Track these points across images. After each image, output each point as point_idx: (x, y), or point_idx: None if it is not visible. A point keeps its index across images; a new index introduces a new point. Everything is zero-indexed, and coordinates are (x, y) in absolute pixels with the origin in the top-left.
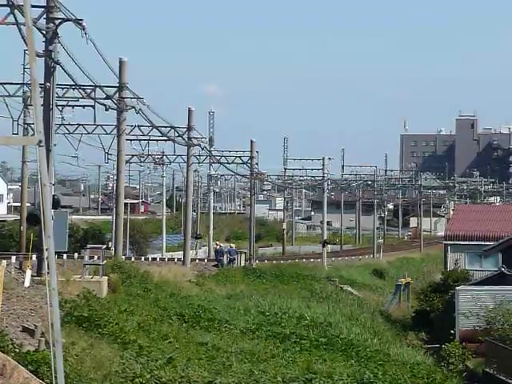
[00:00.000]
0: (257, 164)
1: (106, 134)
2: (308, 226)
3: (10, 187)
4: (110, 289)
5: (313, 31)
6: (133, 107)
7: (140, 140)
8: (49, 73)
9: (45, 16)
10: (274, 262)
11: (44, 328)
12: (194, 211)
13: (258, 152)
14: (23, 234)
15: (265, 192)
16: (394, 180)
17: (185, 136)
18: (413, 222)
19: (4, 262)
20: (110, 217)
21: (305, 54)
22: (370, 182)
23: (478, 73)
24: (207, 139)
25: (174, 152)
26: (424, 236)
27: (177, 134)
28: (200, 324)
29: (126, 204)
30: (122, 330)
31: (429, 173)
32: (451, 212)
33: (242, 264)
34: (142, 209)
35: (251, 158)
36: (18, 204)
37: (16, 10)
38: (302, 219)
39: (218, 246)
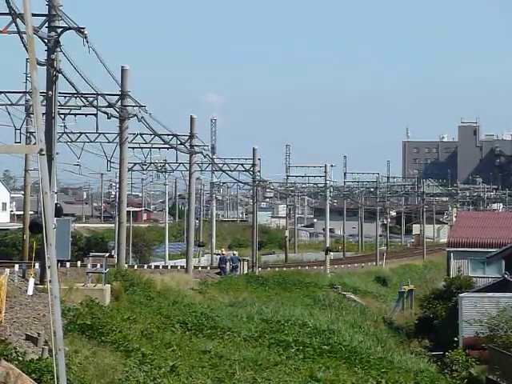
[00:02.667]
0: (259, 171)
1: (109, 142)
2: (310, 233)
3: (12, 195)
4: (113, 297)
5: (313, 37)
6: (135, 115)
7: (142, 148)
8: (51, 81)
9: (47, 25)
10: (277, 269)
11: (47, 336)
12: (197, 219)
13: (260, 159)
14: (26, 243)
15: (267, 199)
16: (396, 187)
17: (187, 144)
18: (415, 229)
19: (7, 270)
20: (112, 225)
21: (305, 60)
22: (372, 189)
23: (480, 79)
24: (209, 147)
25: (177, 160)
26: (427, 243)
27: (179, 142)
28: (203, 332)
29: (128, 212)
30: (125, 338)
31: (431, 180)
32: (454, 219)
33: (245, 271)
34: (144, 217)
35: (253, 165)
36: (21, 212)
37: (18, 19)
38: (305, 226)
39: (222, 254)
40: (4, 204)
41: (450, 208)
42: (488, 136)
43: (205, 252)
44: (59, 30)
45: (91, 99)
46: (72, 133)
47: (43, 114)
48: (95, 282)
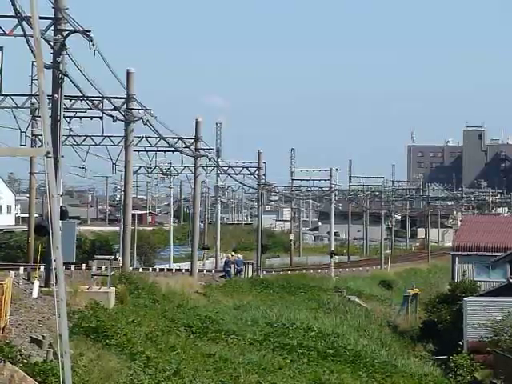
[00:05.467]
0: (264, 175)
1: (114, 145)
2: (315, 236)
3: (17, 198)
4: (118, 300)
5: (319, 44)
6: (140, 118)
7: (147, 151)
8: (56, 84)
9: (52, 27)
10: (282, 272)
11: (52, 339)
12: (202, 222)
13: (265, 163)
14: (31, 245)
15: (272, 203)
16: (401, 191)
17: (192, 147)
18: (420, 232)
19: (12, 273)
20: (117, 228)
21: (312, 66)
22: (377, 193)
23: (486, 84)
24: (214, 150)
25: (182, 163)
26: (431, 247)
27: (184, 145)
28: (207, 335)
29: (133, 215)
30: (129, 341)
31: (436, 184)
32: (459, 223)
33: (250, 275)
34: (149, 220)
35: (258, 168)
36: (26, 215)
37: (24, 22)
38: (310, 230)
39: (228, 258)
40: (9, 206)
41: (455, 212)
42: (493, 140)
43: (209, 255)
44: (65, 33)
45: (97, 102)
46: (77, 136)
47: (49, 116)
48: (100, 284)
